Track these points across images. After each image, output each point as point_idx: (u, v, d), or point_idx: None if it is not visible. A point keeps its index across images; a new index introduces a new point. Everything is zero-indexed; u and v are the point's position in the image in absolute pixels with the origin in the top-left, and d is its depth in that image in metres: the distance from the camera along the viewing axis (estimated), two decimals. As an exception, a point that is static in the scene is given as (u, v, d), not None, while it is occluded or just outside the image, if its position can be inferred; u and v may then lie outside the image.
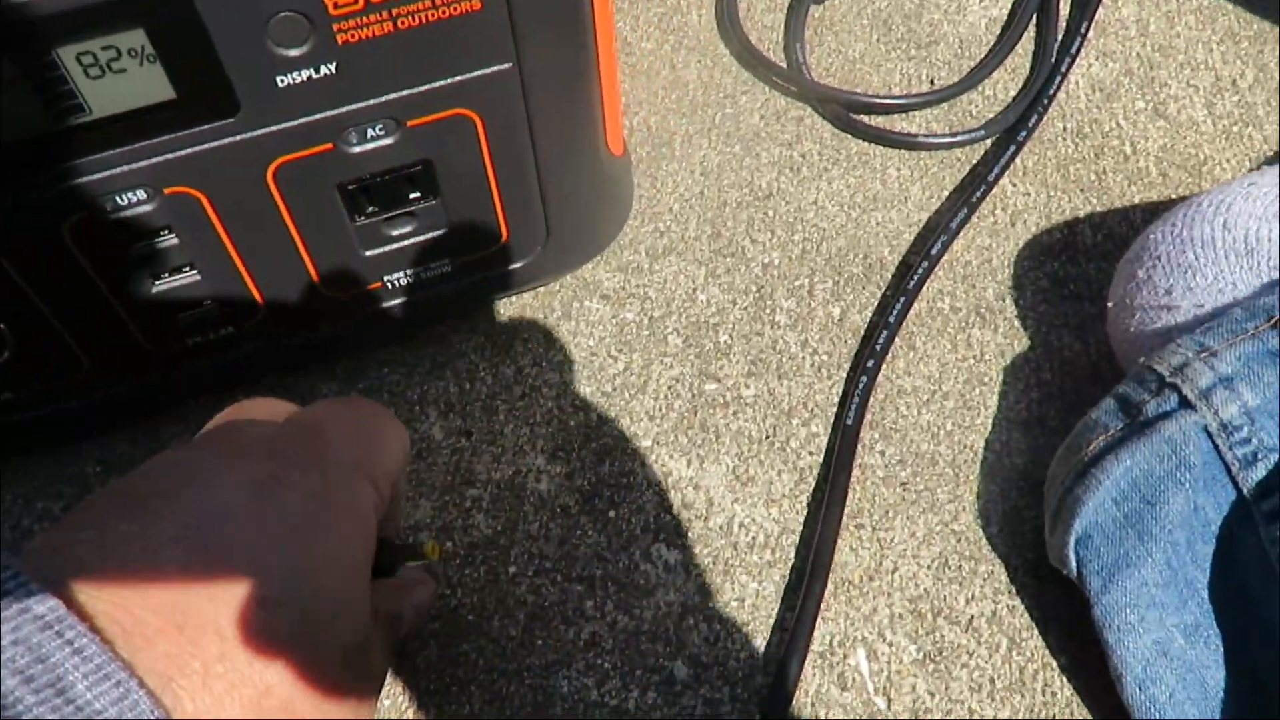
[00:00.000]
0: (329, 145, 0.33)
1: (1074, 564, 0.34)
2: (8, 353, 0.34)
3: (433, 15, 0.31)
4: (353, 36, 0.30)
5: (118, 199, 0.31)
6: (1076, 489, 0.34)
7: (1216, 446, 0.33)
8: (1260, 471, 0.32)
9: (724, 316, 0.43)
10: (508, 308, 0.43)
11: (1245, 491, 0.32)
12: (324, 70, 0.30)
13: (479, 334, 0.43)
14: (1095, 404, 0.35)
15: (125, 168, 0.31)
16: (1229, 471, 0.33)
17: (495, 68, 0.33)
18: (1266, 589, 0.32)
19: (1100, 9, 0.53)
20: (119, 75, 0.29)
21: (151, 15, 0.28)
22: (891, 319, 0.42)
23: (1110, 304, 0.40)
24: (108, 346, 0.36)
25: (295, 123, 0.31)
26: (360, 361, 0.42)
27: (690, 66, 0.52)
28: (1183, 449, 0.33)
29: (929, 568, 0.37)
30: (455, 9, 0.31)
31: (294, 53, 0.30)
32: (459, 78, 0.33)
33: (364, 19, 0.30)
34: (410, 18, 0.30)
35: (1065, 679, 0.34)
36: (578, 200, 0.39)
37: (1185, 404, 0.33)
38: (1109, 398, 0.35)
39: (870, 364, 0.40)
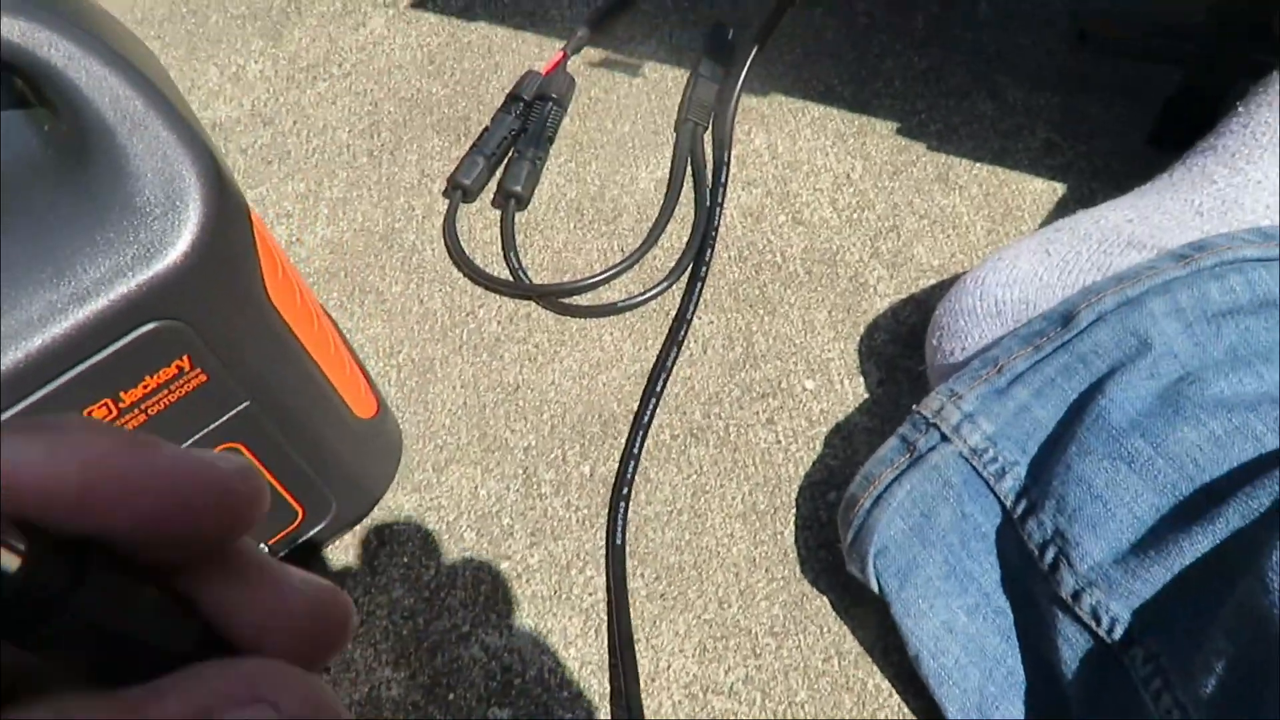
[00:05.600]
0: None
1: (874, 571, 0.43)
2: None
3: (173, 398, 0.41)
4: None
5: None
6: (874, 513, 0.44)
7: (974, 467, 0.43)
8: (1010, 481, 0.43)
9: (502, 503, 0.53)
10: (331, 551, 0.53)
11: (1001, 497, 0.43)
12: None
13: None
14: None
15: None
16: (988, 485, 0.43)
17: (236, 409, 0.43)
18: (1027, 570, 0.42)
19: (736, 144, 0.66)
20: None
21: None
22: (630, 467, 0.52)
23: (926, 368, 0.50)
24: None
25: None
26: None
27: (435, 297, 0.63)
28: (945, 472, 0.43)
29: (693, 656, 0.47)
30: (189, 387, 0.41)
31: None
32: (214, 425, 0.43)
33: (124, 419, 0.40)
34: (158, 404, 0.40)
35: (805, 710, 0.45)
36: (345, 468, 0.49)
37: (944, 438, 0.44)
38: (894, 438, 0.45)
39: (621, 508, 0.51)
